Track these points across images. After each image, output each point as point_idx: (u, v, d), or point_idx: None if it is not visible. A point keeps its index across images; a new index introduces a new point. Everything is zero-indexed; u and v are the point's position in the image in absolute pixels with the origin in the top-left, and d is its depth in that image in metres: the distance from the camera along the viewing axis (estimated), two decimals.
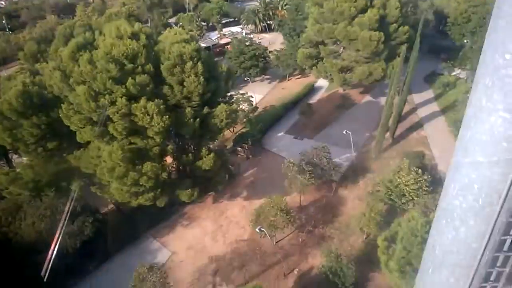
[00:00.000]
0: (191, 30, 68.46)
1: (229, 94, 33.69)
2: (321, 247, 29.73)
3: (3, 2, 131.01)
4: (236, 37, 69.76)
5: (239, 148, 44.49)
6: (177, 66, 26.42)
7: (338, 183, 37.21)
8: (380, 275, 26.91)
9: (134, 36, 26.07)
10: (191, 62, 26.63)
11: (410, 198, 29.21)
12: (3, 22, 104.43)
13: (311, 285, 27.61)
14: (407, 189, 29.12)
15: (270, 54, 63.17)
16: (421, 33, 40.09)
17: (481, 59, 2.70)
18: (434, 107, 50.41)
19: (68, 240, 27.71)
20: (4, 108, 27.33)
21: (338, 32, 45.31)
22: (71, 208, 25.31)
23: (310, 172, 32.28)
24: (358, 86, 53.39)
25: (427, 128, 45.86)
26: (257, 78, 63.75)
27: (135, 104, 25.02)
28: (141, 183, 26.56)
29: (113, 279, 29.37)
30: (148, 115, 25.13)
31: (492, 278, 3.31)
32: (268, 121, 49.31)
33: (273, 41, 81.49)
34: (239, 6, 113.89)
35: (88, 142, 28.23)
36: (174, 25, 79.14)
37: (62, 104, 26.02)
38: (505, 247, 3.07)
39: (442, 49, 64.68)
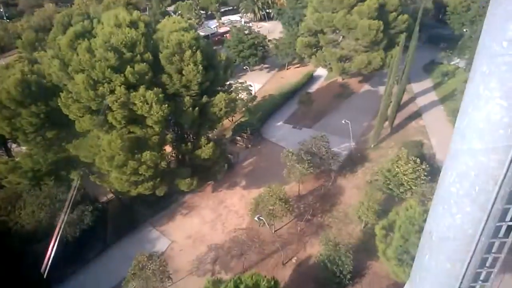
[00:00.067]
0: (189, 19, 68.16)
1: (228, 83, 33.50)
2: (319, 236, 29.90)
3: None
4: (235, 26, 69.16)
5: (238, 138, 44.53)
6: (176, 55, 26.26)
7: (337, 172, 37.33)
8: (378, 263, 27.17)
9: (133, 24, 25.88)
10: (189, 51, 26.47)
11: (408, 187, 29.36)
12: (1, 10, 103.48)
13: (310, 273, 27.86)
14: (405, 178, 29.24)
15: (269, 43, 62.92)
16: (420, 22, 39.83)
17: (479, 46, 2.69)
18: (433, 96, 50.27)
19: (67, 228, 27.85)
20: (2, 97, 27.27)
21: (337, 21, 45.10)
22: (72, 197, 25.42)
23: (309, 161, 32.37)
24: (357, 75, 53.24)
25: (426, 117, 45.80)
26: (256, 67, 63.62)
27: (134, 93, 24.93)
28: (140, 172, 26.60)
29: (112, 268, 29.58)
30: (147, 104, 25.07)
31: (487, 264, 3.34)
32: (267, 110, 49.26)
33: (272, 29, 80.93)
34: None
35: (87, 131, 28.18)
36: (172, 14, 78.63)
37: (61, 93, 25.90)
38: (501, 233, 3.07)
39: (441, 38, 64.30)
